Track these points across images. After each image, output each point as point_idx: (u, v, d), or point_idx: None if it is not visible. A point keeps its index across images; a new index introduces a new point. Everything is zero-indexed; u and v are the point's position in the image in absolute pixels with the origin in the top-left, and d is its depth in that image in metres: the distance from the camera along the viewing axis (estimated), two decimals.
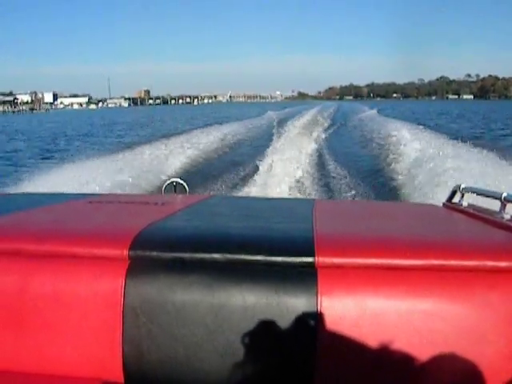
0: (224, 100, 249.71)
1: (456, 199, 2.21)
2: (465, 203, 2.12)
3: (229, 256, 1.37)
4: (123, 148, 13.70)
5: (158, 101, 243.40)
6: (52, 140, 27.75)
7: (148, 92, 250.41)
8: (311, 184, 9.72)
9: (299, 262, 1.34)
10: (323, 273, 1.32)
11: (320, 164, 12.46)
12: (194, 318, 1.33)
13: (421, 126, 20.01)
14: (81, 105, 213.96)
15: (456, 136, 14.72)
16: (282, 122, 24.51)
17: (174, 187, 2.85)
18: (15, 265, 1.44)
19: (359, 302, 1.29)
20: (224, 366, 1.32)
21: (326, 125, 25.95)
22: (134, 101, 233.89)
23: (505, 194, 1.75)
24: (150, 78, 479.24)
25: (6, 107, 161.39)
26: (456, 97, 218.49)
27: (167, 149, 13.28)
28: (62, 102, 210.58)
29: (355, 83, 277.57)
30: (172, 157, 12.25)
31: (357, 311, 1.29)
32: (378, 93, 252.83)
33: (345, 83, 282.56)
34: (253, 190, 8.91)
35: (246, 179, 10.25)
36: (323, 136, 19.41)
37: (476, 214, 1.89)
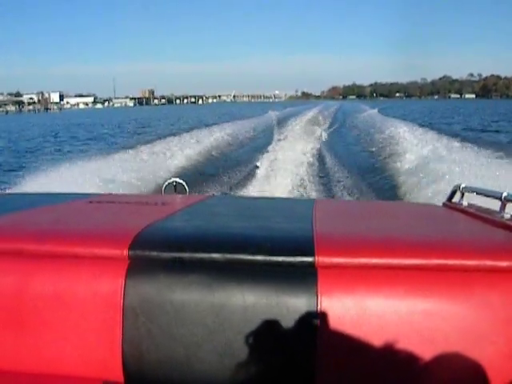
0: (228, 100, 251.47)
1: (456, 199, 2.21)
2: (465, 203, 2.12)
3: (229, 256, 1.37)
4: (123, 148, 13.72)
5: (163, 100, 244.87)
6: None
7: (152, 92, 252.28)
8: (311, 184, 9.76)
9: (299, 262, 1.34)
10: (323, 272, 1.32)
11: (319, 163, 12.55)
12: (193, 318, 1.33)
13: (420, 126, 20.24)
14: (87, 104, 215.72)
15: (456, 135, 15.17)
16: (281, 123, 25.09)
17: (174, 187, 2.87)
18: (15, 265, 1.43)
19: (359, 301, 1.28)
20: (224, 366, 1.31)
21: (325, 124, 26.51)
22: (139, 101, 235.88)
23: (505, 194, 1.75)
24: (153, 78, 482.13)
25: (20, 107, 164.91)
26: (458, 96, 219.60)
27: (167, 148, 13.39)
28: (68, 102, 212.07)
29: (358, 83, 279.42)
30: (172, 156, 12.34)
31: (357, 311, 1.28)
32: (381, 92, 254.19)
33: (348, 83, 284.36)
34: (252, 189, 9.01)
35: (245, 179, 10.35)
36: (323, 135, 19.66)
37: (476, 214, 1.89)
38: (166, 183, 2.91)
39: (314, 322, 1.28)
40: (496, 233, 1.60)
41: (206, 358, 1.32)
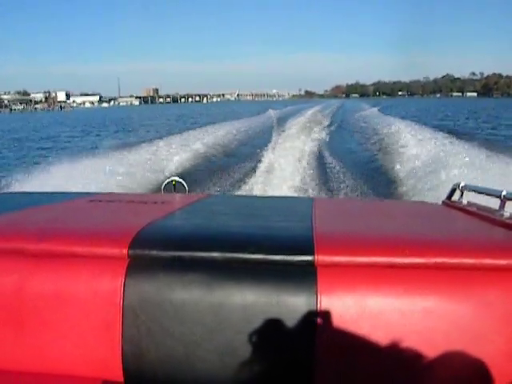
0: (232, 98, 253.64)
1: (455, 197, 2.22)
2: (464, 201, 2.12)
3: (228, 255, 1.37)
4: (123, 147, 13.72)
5: (168, 99, 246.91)
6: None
7: (157, 90, 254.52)
8: (310, 182, 9.82)
9: (299, 261, 1.34)
10: (323, 271, 1.32)
11: (318, 162, 12.56)
12: (193, 317, 1.33)
13: (420, 124, 20.23)
14: (92, 103, 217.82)
15: (456, 134, 15.03)
16: (281, 122, 24.94)
17: (174, 186, 2.86)
18: (15, 264, 1.43)
19: (359, 300, 1.28)
20: (223, 365, 1.32)
21: (325, 123, 26.18)
22: (144, 99, 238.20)
23: (504, 192, 1.75)
24: (157, 77, 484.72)
25: (33, 105, 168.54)
26: (460, 94, 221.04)
27: (167, 147, 13.44)
28: (74, 101, 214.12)
29: (361, 82, 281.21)
30: (171, 155, 12.36)
31: (356, 309, 1.28)
32: (384, 91, 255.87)
33: (351, 82, 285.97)
34: (251, 188, 9.00)
35: (244, 177, 10.35)
36: (322, 134, 19.69)
37: (475, 212, 1.89)
38: (166, 182, 2.91)
39: (314, 320, 1.28)
40: (495, 231, 1.60)
41: (206, 356, 1.32)
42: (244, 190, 8.89)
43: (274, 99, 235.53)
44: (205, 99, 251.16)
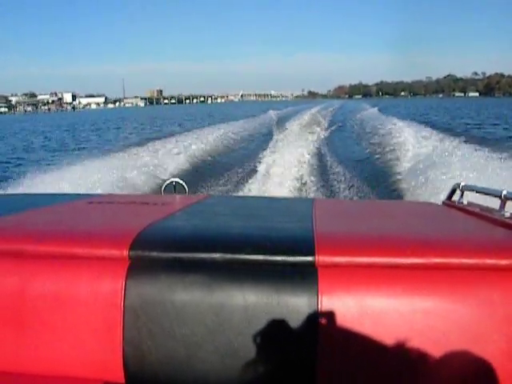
0: (236, 99, 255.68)
1: (455, 197, 2.22)
2: (464, 201, 2.12)
3: (229, 256, 1.37)
4: (123, 148, 13.79)
5: (172, 100, 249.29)
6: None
7: (161, 92, 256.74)
8: (310, 182, 9.85)
9: (299, 261, 1.34)
10: (323, 272, 1.32)
11: (318, 161, 12.59)
12: (194, 318, 1.33)
13: (420, 124, 20.28)
14: (98, 104, 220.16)
15: (456, 133, 15.24)
16: (281, 122, 25.17)
17: (174, 187, 2.85)
18: (16, 265, 1.43)
19: (360, 300, 1.28)
20: (225, 366, 1.32)
21: (325, 123, 26.43)
22: (149, 100, 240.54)
23: (505, 192, 1.76)
24: (161, 78, 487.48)
25: (48, 107, 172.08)
26: (462, 94, 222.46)
27: (167, 149, 13.43)
28: (80, 102, 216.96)
29: (364, 82, 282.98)
30: (171, 157, 12.32)
31: (357, 310, 1.28)
32: (387, 91, 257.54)
33: (354, 82, 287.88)
34: (252, 188, 9.01)
35: (245, 178, 10.31)
36: (322, 133, 19.78)
37: (476, 212, 1.89)
38: (166, 183, 2.94)
39: (315, 321, 1.28)
40: (496, 231, 1.60)
41: (207, 357, 1.32)
42: (244, 191, 8.85)
43: (278, 100, 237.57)
44: (209, 100, 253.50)
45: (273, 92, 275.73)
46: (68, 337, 1.37)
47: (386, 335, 1.27)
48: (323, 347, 1.28)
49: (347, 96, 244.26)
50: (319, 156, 13.83)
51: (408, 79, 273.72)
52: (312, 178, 10.31)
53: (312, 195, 8.59)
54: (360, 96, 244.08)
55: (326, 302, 1.28)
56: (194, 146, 14.45)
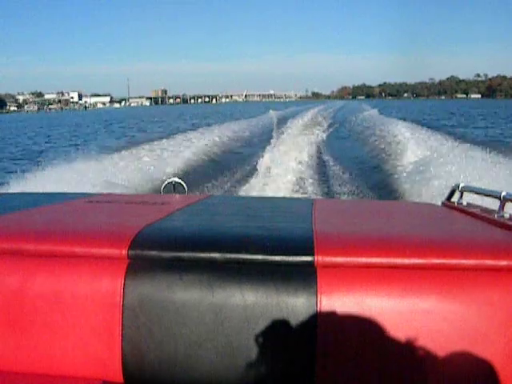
0: (240, 99, 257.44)
1: (455, 198, 2.22)
2: (464, 202, 2.12)
3: (228, 255, 1.37)
4: (123, 147, 13.67)
5: (178, 100, 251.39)
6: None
7: (165, 91, 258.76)
8: (309, 181, 9.91)
9: (299, 261, 1.35)
10: (323, 272, 1.32)
11: (318, 162, 12.74)
12: (193, 318, 1.33)
13: (420, 125, 20.60)
14: (104, 104, 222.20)
15: (455, 135, 15.39)
16: (282, 122, 24.57)
17: (173, 187, 2.84)
18: (14, 264, 1.43)
19: (359, 300, 1.28)
20: (224, 365, 1.32)
21: (325, 123, 26.84)
22: (154, 100, 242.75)
23: (504, 193, 1.76)
24: (165, 78, 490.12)
25: (61, 106, 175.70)
26: (464, 96, 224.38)
27: (166, 148, 13.45)
28: (86, 101, 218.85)
29: (367, 83, 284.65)
30: (171, 156, 12.28)
31: (356, 310, 1.28)
32: (390, 92, 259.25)
33: (358, 83, 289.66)
34: (252, 188, 9.03)
35: (244, 178, 10.37)
36: (321, 134, 19.98)
37: (475, 213, 1.89)
38: (165, 183, 2.90)
39: (314, 321, 1.28)
40: (495, 232, 1.60)
41: (207, 357, 1.32)
42: (243, 191, 8.90)
43: (281, 100, 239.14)
44: (214, 100, 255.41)
45: (277, 92, 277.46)
46: (67, 336, 1.37)
47: (386, 335, 1.27)
48: (322, 347, 1.28)
49: (350, 97, 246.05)
50: (319, 156, 13.96)
51: (411, 81, 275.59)
52: (312, 178, 10.37)
53: (312, 195, 8.57)
54: (363, 97, 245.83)
55: (325, 302, 1.29)
56: (194, 146, 14.45)
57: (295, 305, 1.30)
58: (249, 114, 39.15)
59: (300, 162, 11.63)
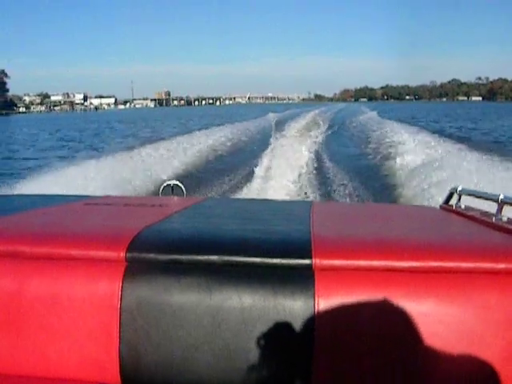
0: (243, 101, 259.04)
1: (453, 201, 2.22)
2: (462, 205, 2.13)
3: (226, 258, 1.37)
4: (121, 149, 13.72)
5: (182, 102, 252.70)
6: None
7: (168, 93, 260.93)
8: (308, 183, 9.97)
9: (297, 264, 1.34)
10: (320, 275, 1.32)
11: (317, 164, 12.71)
12: (191, 320, 1.32)
13: (416, 127, 20.87)
14: (109, 105, 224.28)
15: (453, 138, 15.49)
16: (281, 124, 25.32)
17: (172, 189, 2.86)
18: (11, 267, 1.43)
19: (356, 303, 1.28)
20: (221, 368, 1.32)
21: (325, 125, 26.80)
22: (159, 102, 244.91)
23: (501, 196, 1.76)
24: (168, 80, 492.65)
25: (72, 106, 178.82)
26: (465, 98, 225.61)
27: (165, 150, 13.40)
28: (91, 103, 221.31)
29: (370, 86, 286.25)
30: (170, 159, 12.30)
31: (354, 313, 1.28)
32: (392, 95, 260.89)
33: (360, 85, 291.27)
34: (250, 190, 8.98)
35: (243, 181, 10.31)
36: (321, 135, 20.19)
37: (473, 216, 1.90)
38: (164, 185, 2.92)
39: (312, 324, 1.28)
40: (493, 235, 1.60)
41: (204, 360, 1.32)
42: (242, 193, 8.85)
43: (284, 102, 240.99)
44: (218, 102, 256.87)
45: (279, 95, 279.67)
46: (65, 338, 1.37)
47: (383, 339, 1.26)
48: (319, 350, 1.27)
49: (353, 99, 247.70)
50: (318, 157, 14.05)
51: (413, 83, 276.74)
52: (310, 180, 10.44)
53: (310, 198, 8.61)
54: (365, 99, 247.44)
55: (323, 305, 1.28)
56: (192, 148, 14.48)
57: (293, 308, 1.29)
58: (252, 116, 41.14)
59: (298, 163, 11.68)
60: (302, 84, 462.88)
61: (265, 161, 11.40)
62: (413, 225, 1.90)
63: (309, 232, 1.53)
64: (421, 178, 8.92)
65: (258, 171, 10.44)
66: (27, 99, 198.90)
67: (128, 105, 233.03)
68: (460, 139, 14.86)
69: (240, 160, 14.14)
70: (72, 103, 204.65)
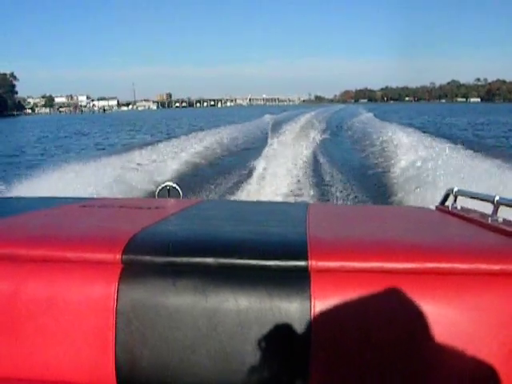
0: (244, 103, 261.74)
1: (449, 202, 2.22)
2: (458, 206, 2.13)
3: (222, 260, 1.37)
4: (118, 151, 13.60)
5: (184, 104, 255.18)
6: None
7: (170, 95, 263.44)
8: (305, 187, 9.85)
9: (292, 266, 1.34)
10: (316, 277, 1.32)
11: (313, 165, 12.67)
12: (187, 323, 1.32)
13: (413, 128, 21.20)
14: (111, 107, 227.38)
15: (450, 139, 15.60)
16: (278, 124, 25.49)
17: (168, 191, 2.84)
18: (7, 270, 1.42)
19: (352, 305, 1.28)
20: (217, 370, 1.32)
21: (322, 125, 27.00)
22: (161, 104, 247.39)
23: (497, 198, 1.77)
24: (169, 82, 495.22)
25: (81, 109, 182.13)
26: (464, 100, 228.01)
27: (161, 153, 13.35)
28: (94, 105, 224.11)
29: (370, 87, 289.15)
30: (166, 161, 12.27)
31: (350, 315, 1.28)
32: (392, 96, 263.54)
33: (360, 87, 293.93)
34: (247, 191, 9.01)
35: (240, 182, 10.28)
36: (317, 137, 20.00)
37: (469, 217, 1.90)
38: (160, 187, 2.90)
39: (308, 326, 1.28)
40: (489, 236, 1.61)
41: (200, 362, 1.32)
42: (238, 195, 8.87)
43: (285, 104, 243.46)
44: (219, 104, 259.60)
45: (280, 96, 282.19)
46: (60, 341, 1.36)
47: (379, 340, 1.27)
48: (316, 352, 1.27)
49: (353, 101, 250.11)
50: (314, 158, 14.08)
51: (412, 85, 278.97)
52: (306, 182, 10.42)
53: (306, 199, 8.62)
54: (365, 100, 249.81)
55: (319, 307, 1.28)
56: (189, 150, 14.41)
57: (289, 310, 1.29)
58: (254, 116, 42.75)
59: (293, 164, 11.72)
60: (302, 85, 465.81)
61: (261, 162, 11.44)
62: (409, 226, 1.91)
63: (305, 234, 1.53)
64: (417, 178, 8.94)
65: (255, 173, 10.56)
66: (31, 101, 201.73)
67: (130, 107, 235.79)
68: (457, 141, 14.75)
69: (236, 162, 14.21)
70: (80, 105, 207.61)
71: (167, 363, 1.32)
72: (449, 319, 1.26)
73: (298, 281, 1.32)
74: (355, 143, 20.34)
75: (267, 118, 35.85)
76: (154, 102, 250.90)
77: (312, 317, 1.28)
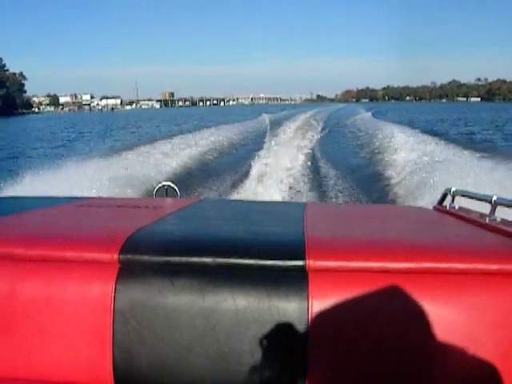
0: (246, 102, 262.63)
1: (446, 202, 2.22)
2: (455, 206, 2.14)
3: (220, 260, 1.37)
4: (115, 150, 13.61)
5: (187, 103, 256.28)
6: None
7: (172, 94, 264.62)
8: (303, 186, 9.85)
9: (290, 266, 1.34)
10: (314, 276, 1.32)
11: (311, 164, 12.57)
12: (184, 322, 1.32)
13: (411, 128, 21.11)
14: (115, 106, 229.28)
15: (448, 139, 15.57)
16: (276, 124, 25.55)
17: (166, 191, 2.85)
18: (4, 269, 1.42)
19: (350, 305, 1.28)
20: (215, 370, 1.31)
21: (320, 124, 27.26)
22: (164, 103, 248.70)
23: (495, 197, 1.76)
24: (171, 81, 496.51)
25: (88, 107, 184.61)
26: (464, 99, 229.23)
27: (159, 152, 13.26)
28: (97, 104, 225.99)
29: (371, 86, 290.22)
30: (164, 160, 12.18)
31: (348, 314, 1.28)
32: (393, 96, 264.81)
33: (361, 86, 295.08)
34: (244, 192, 8.98)
35: (237, 182, 10.24)
36: (315, 135, 20.17)
37: (466, 217, 1.90)
38: (158, 187, 2.90)
39: (305, 325, 1.28)
40: (486, 236, 1.61)
41: (197, 362, 1.32)
42: (236, 195, 8.85)
43: (287, 103, 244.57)
44: (222, 103, 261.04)
45: (282, 95, 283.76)
46: (57, 341, 1.36)
47: (377, 340, 1.27)
48: (313, 351, 1.28)
49: (354, 100, 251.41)
50: (312, 157, 14.01)
51: (413, 84, 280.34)
52: (304, 181, 10.42)
53: (305, 199, 8.62)
54: (367, 100, 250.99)
55: (317, 307, 1.28)
56: (187, 150, 14.26)
57: (286, 309, 1.29)
58: (254, 116, 43.15)
59: (291, 163, 11.75)
60: (304, 85, 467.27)
61: (259, 162, 11.39)
62: (407, 226, 1.91)
63: (302, 233, 1.52)
64: (415, 178, 8.89)
65: (253, 172, 10.45)
66: (36, 100, 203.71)
67: (134, 106, 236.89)
68: (455, 141, 14.73)
69: (234, 161, 14.23)
70: (89, 104, 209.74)
71: (165, 362, 1.32)
72: (447, 318, 1.26)
73: (295, 280, 1.32)
74: (352, 141, 20.58)
75: (264, 117, 36.92)
76: (157, 100, 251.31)
77: (310, 316, 1.28)
